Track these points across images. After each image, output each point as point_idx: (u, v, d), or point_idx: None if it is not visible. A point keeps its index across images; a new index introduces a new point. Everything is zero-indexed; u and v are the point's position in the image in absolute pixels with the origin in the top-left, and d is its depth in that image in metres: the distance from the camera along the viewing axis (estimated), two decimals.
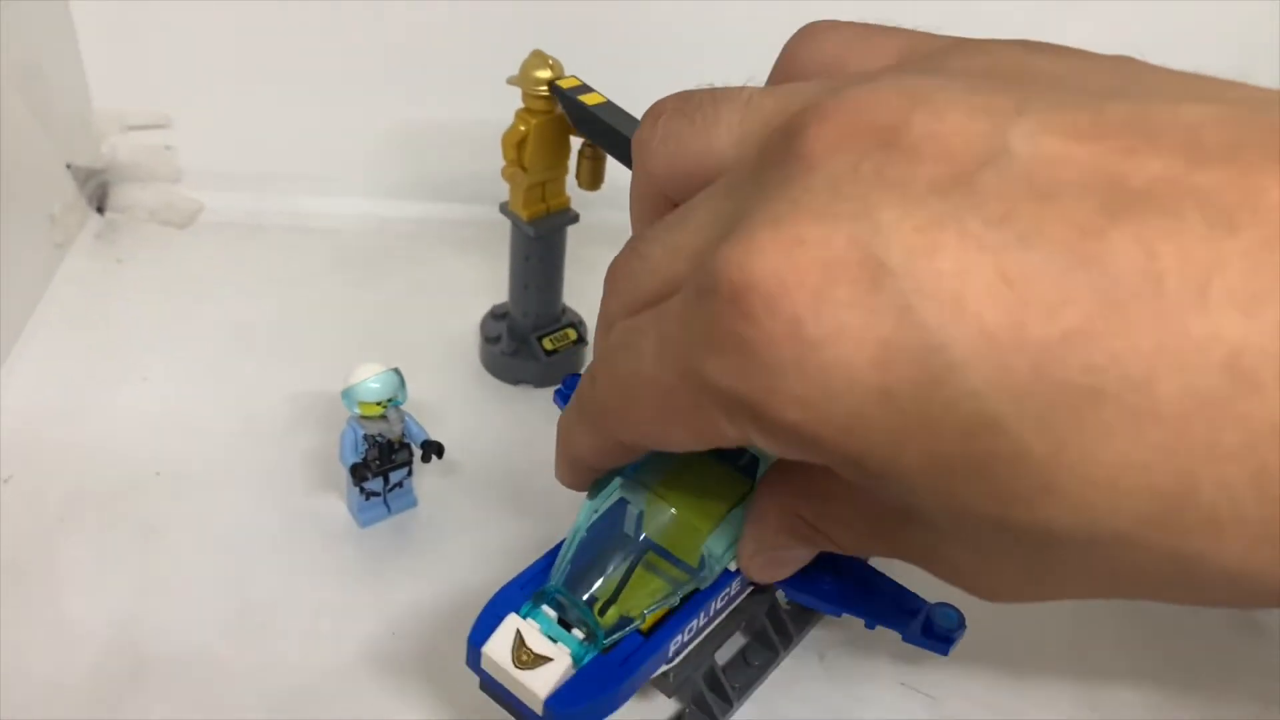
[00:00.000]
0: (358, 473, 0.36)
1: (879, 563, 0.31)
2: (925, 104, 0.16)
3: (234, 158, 0.54)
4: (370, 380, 0.35)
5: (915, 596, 0.29)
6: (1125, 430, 0.14)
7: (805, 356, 0.15)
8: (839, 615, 0.30)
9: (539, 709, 0.25)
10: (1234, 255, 0.14)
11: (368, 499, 0.37)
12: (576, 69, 0.39)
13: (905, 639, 0.29)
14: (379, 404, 0.35)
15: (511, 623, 0.26)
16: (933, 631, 0.28)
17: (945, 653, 0.29)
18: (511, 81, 0.38)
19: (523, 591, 0.27)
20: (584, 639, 0.26)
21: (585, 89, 0.38)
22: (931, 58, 0.18)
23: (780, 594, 0.33)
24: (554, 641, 0.26)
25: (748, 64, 0.42)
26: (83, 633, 0.34)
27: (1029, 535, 0.16)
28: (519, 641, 0.26)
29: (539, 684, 0.25)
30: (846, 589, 0.29)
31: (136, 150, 0.54)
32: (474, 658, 0.26)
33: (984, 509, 0.16)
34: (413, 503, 0.38)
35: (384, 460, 0.36)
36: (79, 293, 0.48)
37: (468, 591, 0.36)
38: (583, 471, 0.26)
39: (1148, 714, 0.34)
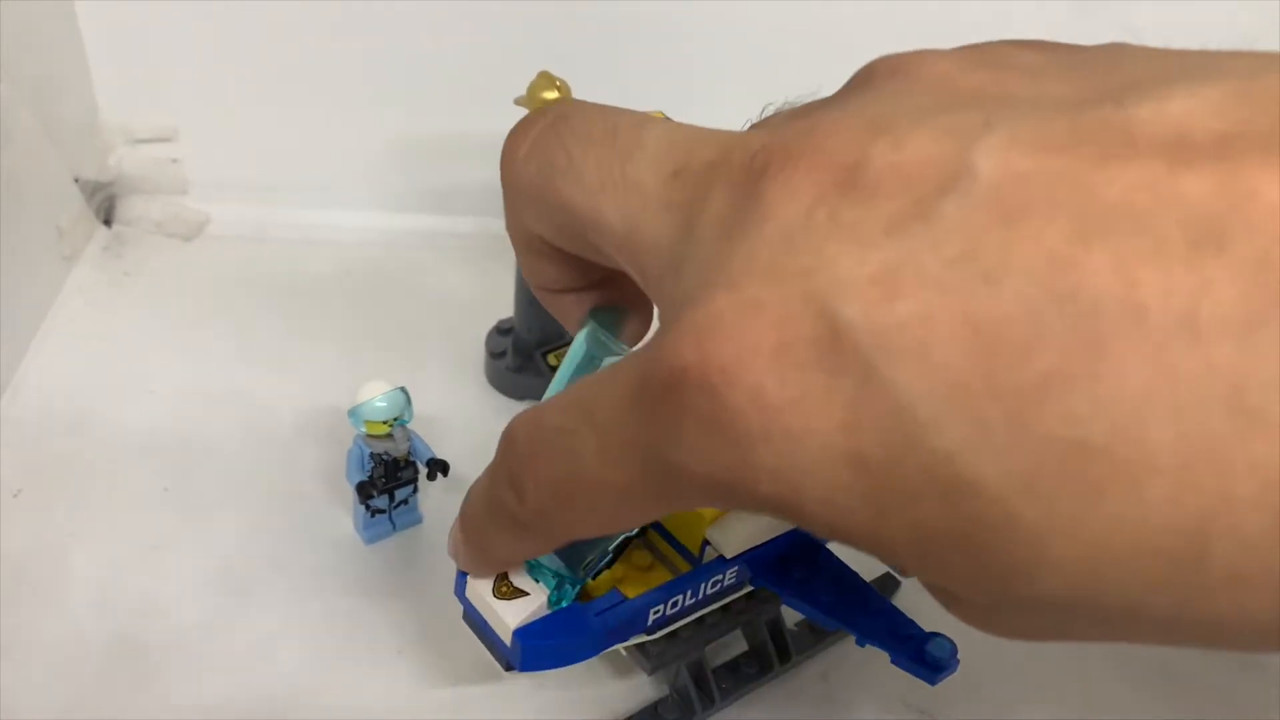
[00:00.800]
0: (364, 491, 0.36)
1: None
2: (886, 133, 0.15)
3: (240, 170, 0.55)
4: (377, 400, 0.35)
5: (912, 623, 0.29)
6: (1119, 487, 0.13)
7: (771, 425, 0.14)
8: (833, 629, 0.30)
9: (508, 639, 0.27)
10: (1222, 274, 0.12)
11: (373, 516, 0.37)
12: (583, 87, 0.40)
13: (893, 661, 0.29)
14: (386, 423, 0.35)
15: None
16: (923, 659, 0.29)
17: (933, 682, 0.29)
18: (519, 102, 0.39)
19: None
20: (557, 585, 0.27)
21: None
22: (904, 69, 0.17)
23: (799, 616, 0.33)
24: (536, 581, 0.27)
25: (757, 85, 0.42)
26: (88, 647, 0.34)
27: (1029, 605, 0.14)
28: (502, 574, 0.27)
29: (511, 614, 0.26)
30: (843, 603, 0.30)
31: (143, 163, 0.54)
32: (460, 585, 0.28)
33: (977, 584, 0.14)
34: (418, 519, 0.39)
35: (390, 478, 0.37)
36: (86, 305, 0.49)
37: None
38: (503, 567, 0.26)
39: None
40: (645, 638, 0.30)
